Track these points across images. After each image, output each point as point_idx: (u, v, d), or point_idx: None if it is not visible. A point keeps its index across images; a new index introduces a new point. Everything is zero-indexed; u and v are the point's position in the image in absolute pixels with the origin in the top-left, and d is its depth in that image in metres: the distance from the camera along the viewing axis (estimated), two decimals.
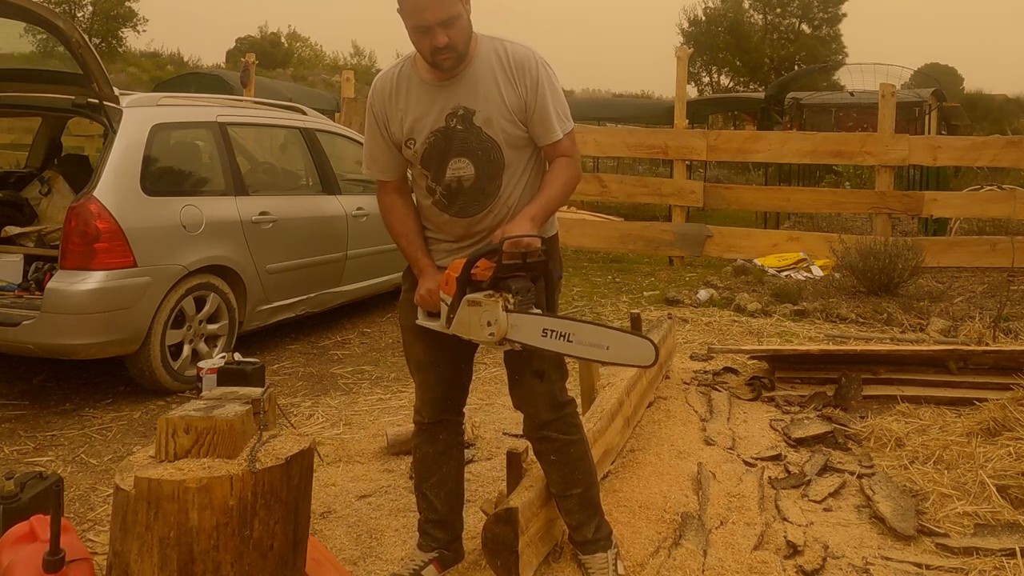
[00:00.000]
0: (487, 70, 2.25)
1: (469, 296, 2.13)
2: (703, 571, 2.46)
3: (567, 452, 2.39)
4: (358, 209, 5.62)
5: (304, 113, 5.81)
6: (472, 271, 2.13)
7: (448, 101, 2.24)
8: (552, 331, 2.12)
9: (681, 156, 9.32)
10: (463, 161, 2.26)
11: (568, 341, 2.12)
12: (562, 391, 2.39)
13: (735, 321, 6.08)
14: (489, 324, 2.10)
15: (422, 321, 2.34)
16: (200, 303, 4.40)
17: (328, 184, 5.52)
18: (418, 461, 2.54)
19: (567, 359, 2.38)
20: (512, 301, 2.11)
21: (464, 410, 2.59)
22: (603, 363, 2.22)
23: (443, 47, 2.14)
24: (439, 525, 2.50)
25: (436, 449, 2.50)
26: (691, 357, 4.94)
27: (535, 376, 2.32)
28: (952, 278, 7.73)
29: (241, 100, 5.97)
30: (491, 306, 2.09)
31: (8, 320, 3.86)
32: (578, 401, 2.53)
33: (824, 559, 2.56)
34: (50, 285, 3.85)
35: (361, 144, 6.46)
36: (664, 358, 4.32)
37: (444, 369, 2.44)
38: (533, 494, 2.45)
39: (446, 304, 2.19)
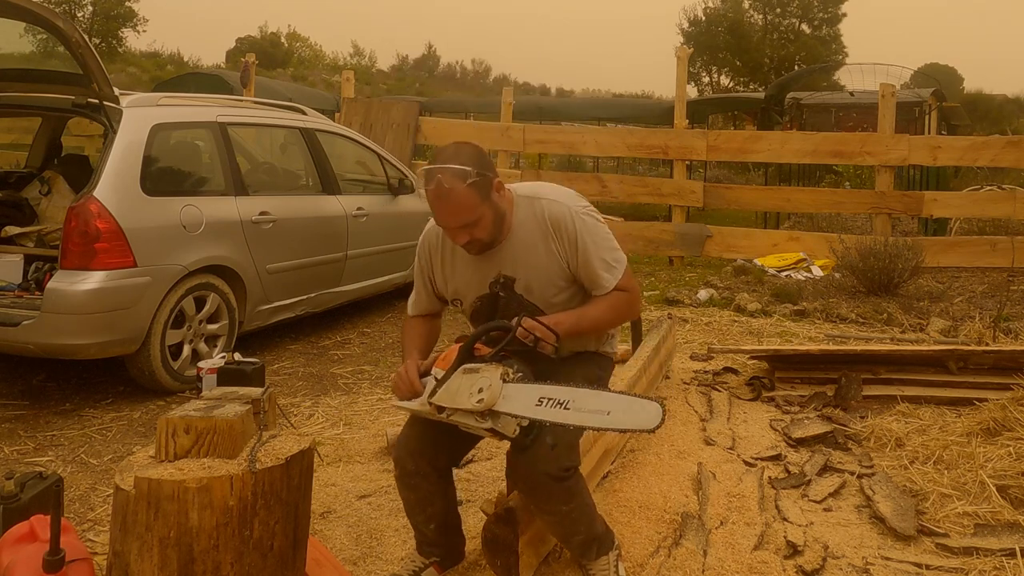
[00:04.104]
0: (527, 237, 2.29)
1: (467, 365, 2.07)
2: (703, 571, 2.46)
3: (569, 517, 2.26)
4: (358, 209, 5.62)
5: (304, 113, 5.81)
6: (476, 344, 2.10)
7: (490, 270, 2.31)
8: (549, 399, 2.01)
9: (681, 156, 9.32)
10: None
11: (565, 409, 2.00)
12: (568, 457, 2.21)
13: (735, 321, 6.08)
14: (480, 391, 1.99)
15: (396, 404, 2.26)
16: (200, 303, 4.40)
17: (328, 184, 5.52)
18: (403, 498, 2.41)
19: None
20: (511, 375, 2.04)
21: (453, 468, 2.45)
22: (601, 430, 2.15)
23: (464, 244, 2.21)
24: (434, 546, 2.45)
25: (418, 496, 2.35)
26: (691, 357, 4.94)
27: (542, 442, 2.15)
28: (952, 278, 7.73)
29: (241, 100, 5.97)
30: (489, 372, 2.02)
31: (8, 320, 3.86)
32: None
33: (824, 559, 2.56)
34: (50, 285, 3.85)
35: (361, 144, 6.48)
36: (664, 358, 4.32)
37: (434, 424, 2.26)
38: None
39: (436, 379, 2.11)
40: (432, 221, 2.36)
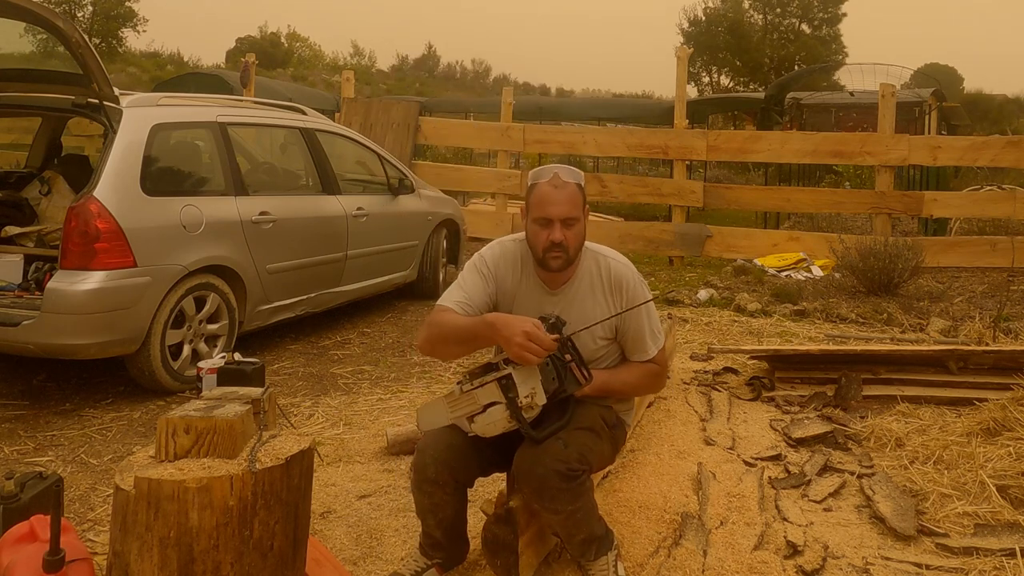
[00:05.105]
0: (587, 288, 2.40)
1: None
2: (703, 571, 2.46)
3: (573, 517, 2.27)
4: (358, 209, 5.62)
5: (304, 113, 5.81)
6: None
7: (546, 307, 2.35)
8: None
9: (681, 156, 9.32)
10: None
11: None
12: (579, 458, 2.23)
13: (735, 321, 6.08)
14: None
15: (425, 428, 2.34)
16: (200, 303, 4.40)
17: (328, 184, 5.52)
18: (415, 500, 2.39)
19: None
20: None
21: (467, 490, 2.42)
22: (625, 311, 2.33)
23: (558, 243, 2.27)
24: (439, 549, 2.45)
25: (432, 502, 2.34)
26: (691, 357, 4.94)
27: (555, 440, 2.20)
28: (952, 278, 7.74)
29: (241, 100, 5.97)
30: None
31: (8, 320, 3.86)
32: None
33: (824, 559, 2.56)
34: (50, 285, 3.85)
35: (361, 144, 6.46)
36: None
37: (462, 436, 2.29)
38: None
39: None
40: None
